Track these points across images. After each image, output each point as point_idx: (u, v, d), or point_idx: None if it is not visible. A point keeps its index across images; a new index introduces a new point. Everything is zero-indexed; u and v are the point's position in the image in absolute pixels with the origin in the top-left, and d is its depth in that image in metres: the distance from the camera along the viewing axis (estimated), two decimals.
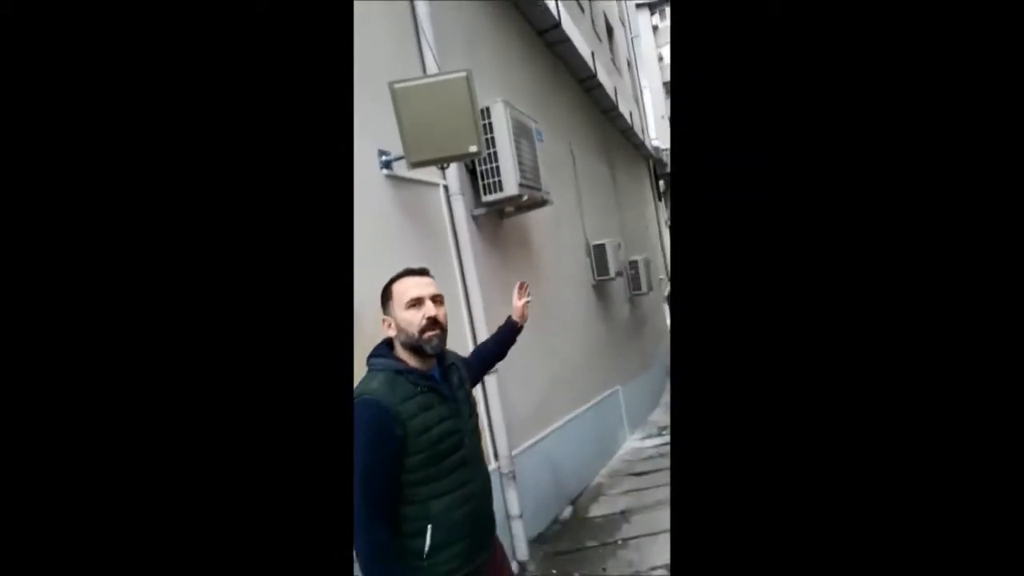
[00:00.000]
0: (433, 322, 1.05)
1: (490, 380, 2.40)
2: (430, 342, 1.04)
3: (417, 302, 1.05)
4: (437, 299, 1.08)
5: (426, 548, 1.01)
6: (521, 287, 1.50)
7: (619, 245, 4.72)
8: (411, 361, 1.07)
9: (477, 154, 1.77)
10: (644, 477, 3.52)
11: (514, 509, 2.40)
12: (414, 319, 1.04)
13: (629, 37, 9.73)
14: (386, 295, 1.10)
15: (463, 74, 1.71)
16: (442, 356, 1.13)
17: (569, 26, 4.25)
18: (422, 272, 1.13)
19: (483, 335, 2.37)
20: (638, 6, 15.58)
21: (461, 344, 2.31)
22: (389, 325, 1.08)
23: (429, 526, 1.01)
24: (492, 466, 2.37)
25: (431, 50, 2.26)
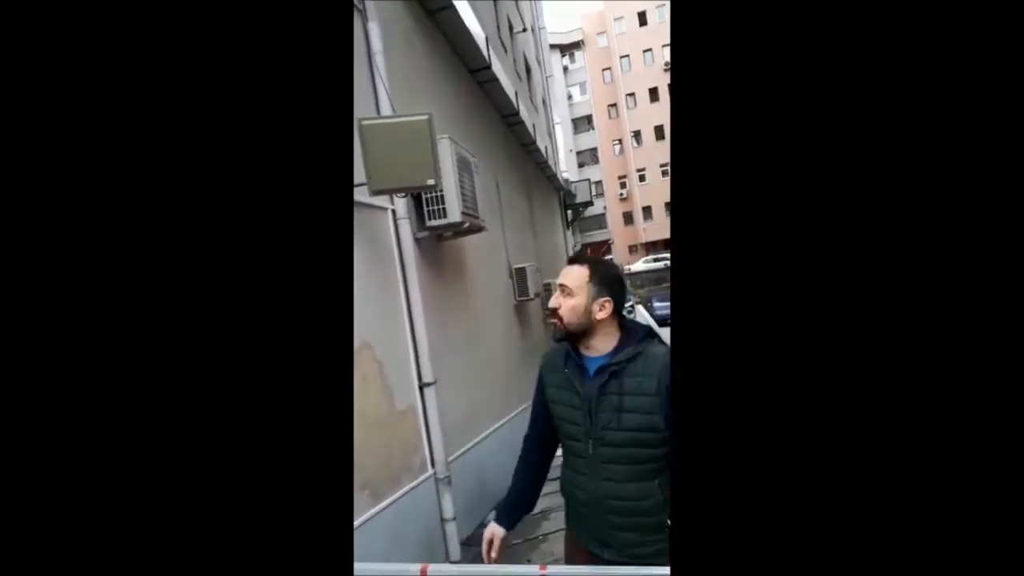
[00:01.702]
0: (551, 311, 1.10)
1: (429, 391, 2.59)
2: (550, 328, 1.14)
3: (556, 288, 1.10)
4: (564, 288, 1.09)
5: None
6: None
7: (537, 269, 5.14)
8: (584, 344, 1.11)
9: (433, 186, 2.01)
10: (558, 481, 3.86)
11: (448, 512, 2.58)
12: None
13: (544, 76, 10.54)
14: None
15: (425, 117, 1.95)
16: (619, 348, 1.09)
17: (496, 66, 4.66)
18: (574, 260, 1.14)
19: (424, 339, 2.56)
20: (551, 46, 16.84)
21: (401, 345, 2.48)
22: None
23: (560, 486, 1.21)
24: (429, 472, 2.54)
25: (383, 82, 2.47)
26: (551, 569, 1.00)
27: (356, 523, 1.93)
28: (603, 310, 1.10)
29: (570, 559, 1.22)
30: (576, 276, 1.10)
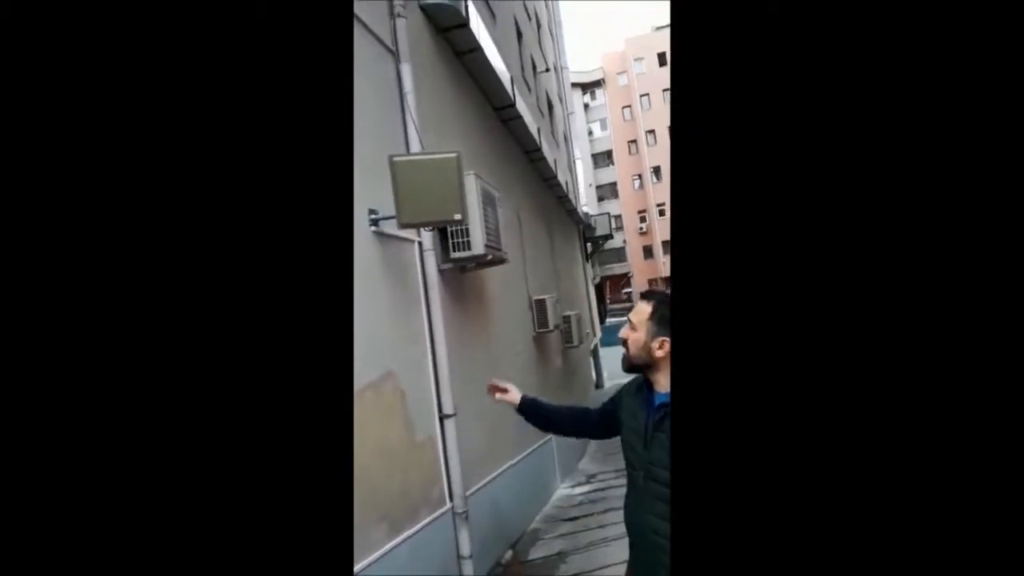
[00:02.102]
0: (622, 342, 1.17)
1: (449, 423, 2.57)
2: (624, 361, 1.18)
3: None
4: (631, 324, 1.17)
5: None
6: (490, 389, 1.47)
7: (556, 301, 5.15)
8: (650, 376, 1.18)
9: (460, 221, 2.06)
10: (576, 522, 3.74)
11: (465, 550, 2.52)
12: None
13: (565, 113, 10.85)
14: None
15: (454, 155, 2.03)
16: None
17: (521, 105, 4.82)
18: (642, 295, 1.21)
19: (444, 370, 2.57)
20: (572, 85, 17.38)
21: (423, 375, 2.49)
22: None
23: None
24: (447, 506, 2.50)
25: (413, 121, 2.58)
26: None
27: (374, 556, 1.90)
28: (662, 349, 1.13)
29: None
30: (640, 312, 1.17)
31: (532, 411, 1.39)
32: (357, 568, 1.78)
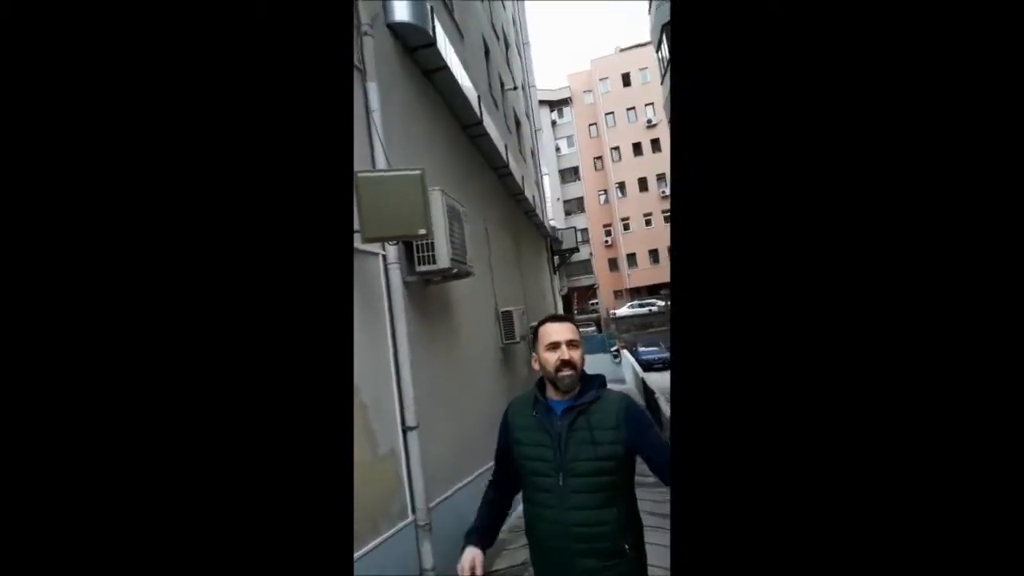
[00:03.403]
0: (565, 363, 1.24)
1: (412, 435, 2.59)
2: (563, 380, 1.24)
3: (554, 346, 1.25)
4: (572, 343, 1.25)
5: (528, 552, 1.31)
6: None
7: (523, 312, 5.23)
8: (551, 390, 1.28)
9: (424, 236, 2.12)
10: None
11: (427, 563, 2.52)
12: (551, 359, 1.25)
13: (533, 130, 11.09)
14: (534, 336, 1.31)
15: (418, 172, 2.09)
16: (583, 392, 1.25)
17: (488, 122, 4.94)
18: (562, 319, 1.32)
19: (408, 382, 2.59)
20: (540, 102, 17.77)
21: (386, 388, 2.50)
22: (535, 362, 1.30)
23: (525, 525, 1.30)
24: (409, 519, 2.50)
25: (379, 137, 2.63)
26: None
27: None
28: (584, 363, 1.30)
29: None
30: (575, 331, 1.30)
31: (485, 534, 1.36)
32: None
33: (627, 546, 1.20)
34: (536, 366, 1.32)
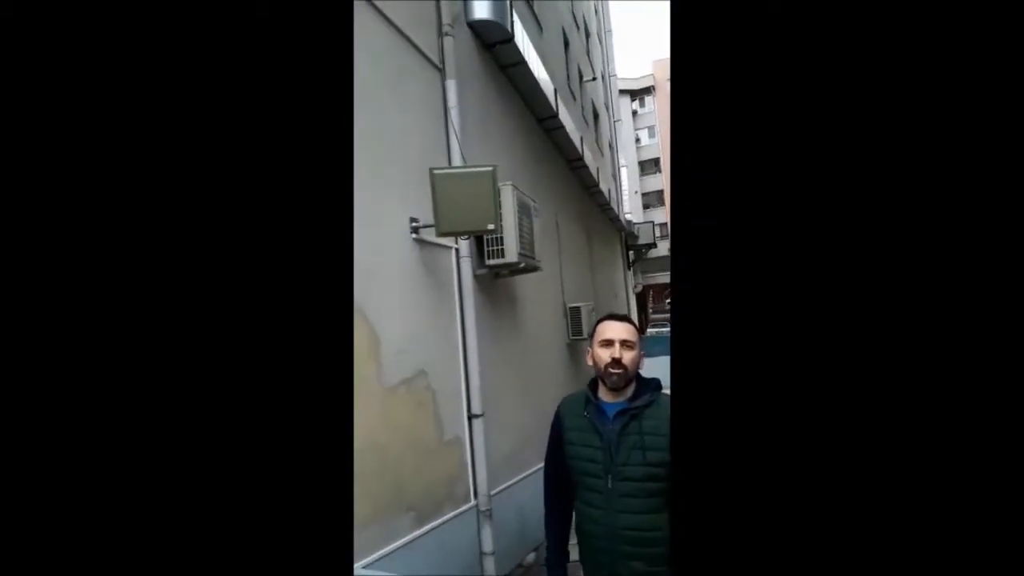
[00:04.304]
0: (616, 362, 1.23)
1: (477, 423, 2.68)
2: (610, 377, 1.24)
3: (608, 343, 1.25)
4: (626, 343, 1.25)
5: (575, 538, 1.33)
6: None
7: (592, 308, 5.17)
8: (602, 390, 1.28)
9: (493, 231, 2.17)
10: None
11: (488, 546, 2.61)
12: (603, 356, 1.25)
13: (612, 121, 10.82)
14: (592, 333, 1.33)
15: (490, 169, 2.14)
16: (637, 395, 1.25)
17: (564, 115, 4.90)
18: (621, 318, 1.31)
19: (475, 372, 2.68)
20: (621, 91, 17.21)
21: (454, 376, 2.61)
22: (589, 357, 1.31)
23: (575, 521, 1.32)
24: (471, 503, 2.60)
25: (456, 134, 2.72)
26: None
27: (400, 542, 2.02)
28: (641, 361, 1.27)
29: None
30: (633, 332, 1.29)
31: (563, 561, 1.37)
32: (383, 551, 1.91)
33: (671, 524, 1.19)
34: (589, 361, 1.31)
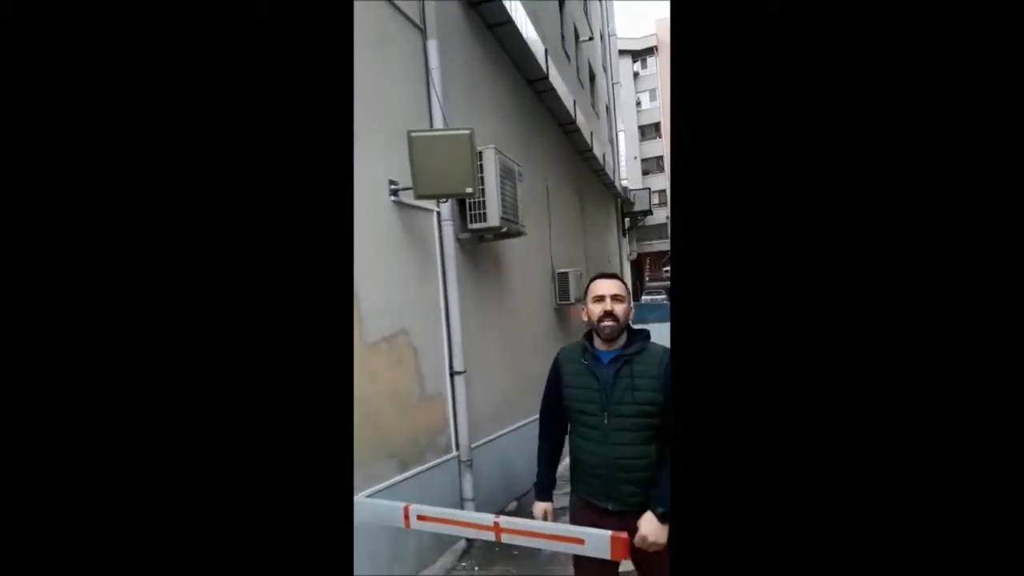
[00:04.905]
0: (607, 314, 1.39)
1: (459, 380, 2.81)
2: (603, 329, 1.39)
3: (600, 298, 1.40)
4: (617, 297, 1.40)
5: (569, 469, 1.50)
6: None
7: (580, 274, 5.25)
8: (597, 341, 1.44)
9: (471, 194, 2.22)
10: None
11: (467, 492, 2.79)
12: (596, 310, 1.40)
13: (610, 83, 10.57)
14: (586, 290, 1.48)
15: (467, 132, 2.17)
16: (629, 344, 1.41)
17: (555, 77, 4.82)
18: (612, 276, 1.47)
19: (457, 331, 2.79)
20: (621, 52, 16.66)
21: (436, 335, 2.72)
22: (584, 313, 1.46)
23: (570, 454, 1.50)
24: (453, 454, 2.76)
25: (437, 96, 2.72)
26: (503, 520, 1.29)
27: (382, 486, 2.18)
28: (631, 313, 1.44)
29: (576, 513, 1.50)
30: (621, 287, 1.45)
31: (549, 486, 1.58)
32: (365, 493, 2.07)
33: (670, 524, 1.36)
34: (584, 317, 1.46)
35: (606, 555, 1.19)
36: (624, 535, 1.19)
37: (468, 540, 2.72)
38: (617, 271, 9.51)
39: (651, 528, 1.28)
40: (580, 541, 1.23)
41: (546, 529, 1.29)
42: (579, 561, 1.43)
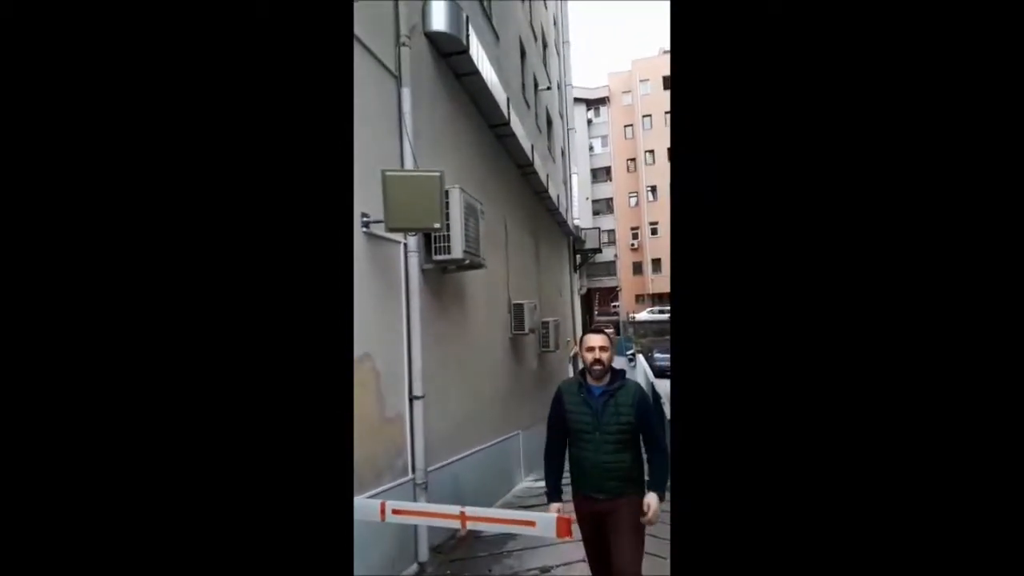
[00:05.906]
0: (597, 361, 1.94)
1: (418, 404, 2.92)
2: (594, 371, 1.93)
3: (591, 348, 1.94)
4: (604, 348, 1.94)
5: (569, 476, 1.98)
6: None
7: (535, 306, 5.51)
8: (588, 378, 1.96)
9: (439, 229, 2.42)
10: (532, 509, 4.07)
11: None
12: (589, 357, 1.95)
13: (566, 129, 11.27)
14: (580, 341, 2.03)
15: (438, 173, 2.39)
16: (612, 381, 1.93)
17: (516, 123, 5.20)
18: (600, 331, 2.01)
19: (418, 357, 2.92)
20: (576, 100, 17.80)
21: (398, 360, 2.83)
22: (580, 357, 1.99)
23: (570, 461, 2.00)
24: (409, 476, 2.84)
25: (408, 137, 2.95)
26: (468, 509, 1.60)
27: None
28: (613, 358, 2.02)
29: (578, 503, 1.97)
30: (607, 340, 2.00)
31: (557, 490, 2.00)
32: None
33: (635, 475, 1.92)
34: (580, 360, 2.02)
35: (552, 534, 1.60)
36: (567, 517, 1.69)
37: (419, 564, 2.77)
38: (568, 304, 9.91)
39: (653, 498, 1.86)
40: (532, 524, 1.61)
41: (504, 515, 1.53)
42: (586, 547, 1.97)
